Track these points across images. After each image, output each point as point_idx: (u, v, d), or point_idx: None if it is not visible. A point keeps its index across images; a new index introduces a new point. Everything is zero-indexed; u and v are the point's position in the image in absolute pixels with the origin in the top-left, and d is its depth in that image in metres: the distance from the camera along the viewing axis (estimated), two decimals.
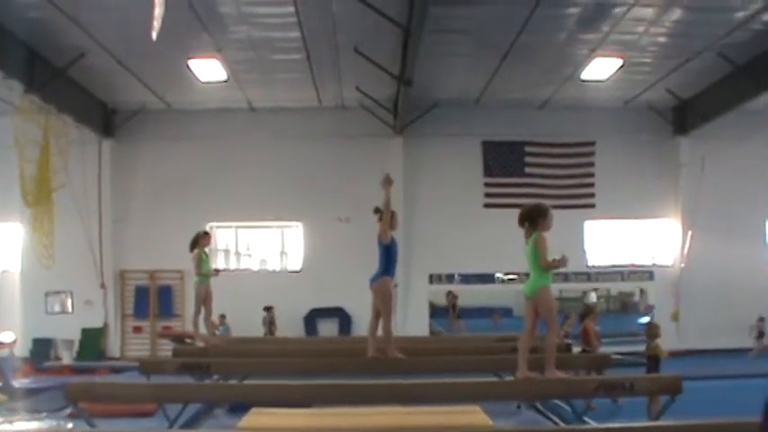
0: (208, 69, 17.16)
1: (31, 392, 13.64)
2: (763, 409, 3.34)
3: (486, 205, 20.41)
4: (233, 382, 9.16)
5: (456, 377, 7.33)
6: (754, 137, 20.03)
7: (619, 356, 11.74)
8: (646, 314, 20.71)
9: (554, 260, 6.72)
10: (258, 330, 18.85)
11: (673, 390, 6.78)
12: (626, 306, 23.21)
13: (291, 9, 14.03)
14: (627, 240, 21.30)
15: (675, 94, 19.54)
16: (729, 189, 20.08)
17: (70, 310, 20.17)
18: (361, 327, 18.01)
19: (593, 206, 20.64)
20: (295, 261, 20.91)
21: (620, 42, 16.00)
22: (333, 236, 20.13)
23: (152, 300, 20.50)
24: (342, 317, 20.02)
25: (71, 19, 14.18)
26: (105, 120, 20.22)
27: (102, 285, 20.07)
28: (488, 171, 20.70)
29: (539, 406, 9.81)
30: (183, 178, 20.10)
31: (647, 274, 21.26)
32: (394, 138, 20.23)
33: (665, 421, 6.71)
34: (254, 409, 7.90)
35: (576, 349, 11.36)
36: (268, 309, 19.33)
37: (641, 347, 11.27)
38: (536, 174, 20.61)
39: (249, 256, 21.07)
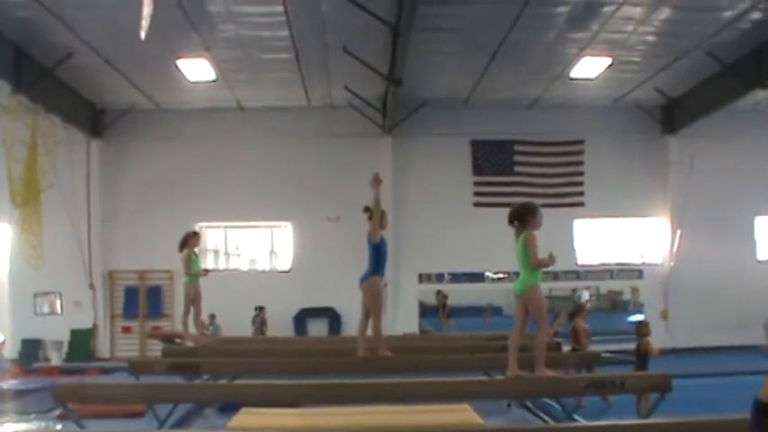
0: (196, 69, 17.13)
1: (19, 394, 13.59)
2: (751, 407, 3.35)
3: (476, 204, 20.42)
4: (223, 382, 9.13)
5: (446, 376, 7.34)
6: (742, 136, 20.12)
7: (608, 354, 11.76)
8: (638, 312, 20.73)
9: (543, 259, 6.73)
10: (248, 330, 18.85)
11: (662, 387, 6.81)
12: (615, 304, 23.25)
13: (280, 8, 14.00)
14: (616, 239, 21.37)
15: (664, 92, 19.62)
16: (718, 188, 20.19)
17: (59, 310, 20.08)
18: (350, 326, 17.99)
19: (582, 205, 20.68)
20: (284, 261, 20.88)
21: (609, 41, 16.06)
22: (322, 235, 20.10)
23: (141, 300, 20.42)
24: (331, 316, 20.01)
25: (59, 18, 14.11)
26: (93, 120, 20.13)
27: (92, 286, 19.99)
28: (477, 170, 20.72)
29: (529, 404, 9.84)
30: (172, 178, 20.01)
31: (636, 272, 21.35)
32: (383, 137, 20.24)
33: (655, 419, 6.72)
34: (243, 409, 7.87)
35: (566, 348, 11.39)
36: (260, 309, 19.31)
37: (631, 345, 11.30)
38: (525, 172, 20.63)
39: (238, 255, 21.04)
